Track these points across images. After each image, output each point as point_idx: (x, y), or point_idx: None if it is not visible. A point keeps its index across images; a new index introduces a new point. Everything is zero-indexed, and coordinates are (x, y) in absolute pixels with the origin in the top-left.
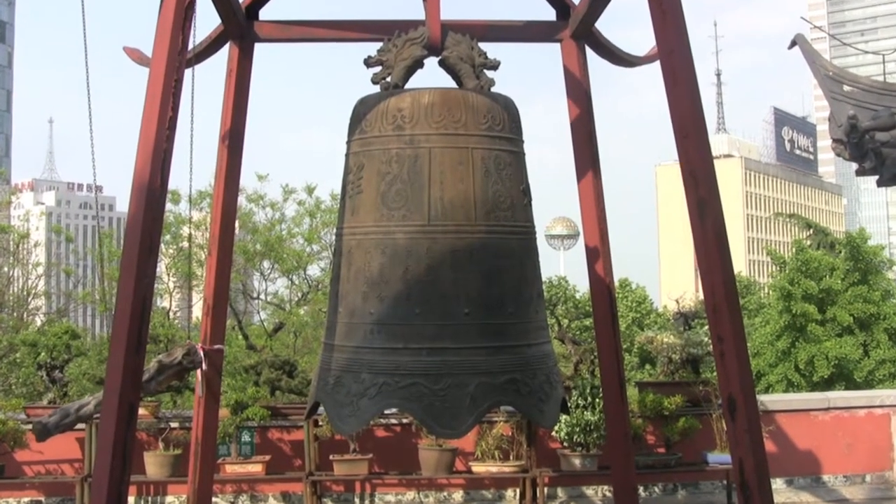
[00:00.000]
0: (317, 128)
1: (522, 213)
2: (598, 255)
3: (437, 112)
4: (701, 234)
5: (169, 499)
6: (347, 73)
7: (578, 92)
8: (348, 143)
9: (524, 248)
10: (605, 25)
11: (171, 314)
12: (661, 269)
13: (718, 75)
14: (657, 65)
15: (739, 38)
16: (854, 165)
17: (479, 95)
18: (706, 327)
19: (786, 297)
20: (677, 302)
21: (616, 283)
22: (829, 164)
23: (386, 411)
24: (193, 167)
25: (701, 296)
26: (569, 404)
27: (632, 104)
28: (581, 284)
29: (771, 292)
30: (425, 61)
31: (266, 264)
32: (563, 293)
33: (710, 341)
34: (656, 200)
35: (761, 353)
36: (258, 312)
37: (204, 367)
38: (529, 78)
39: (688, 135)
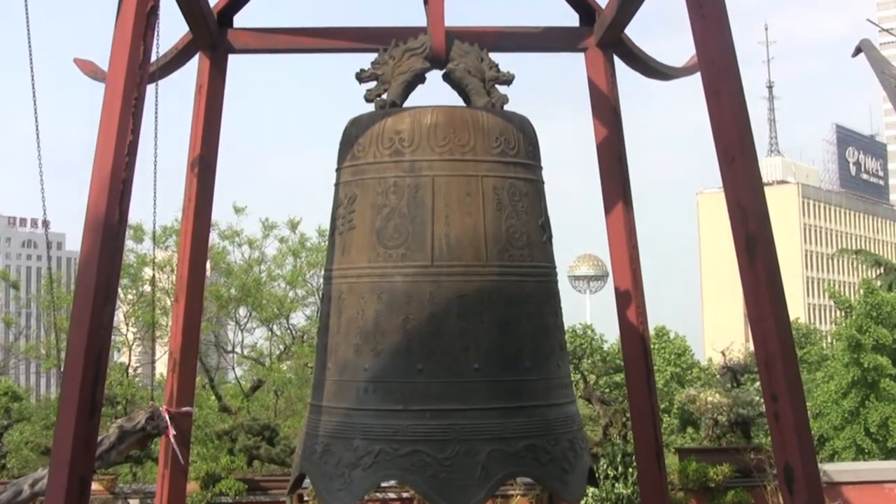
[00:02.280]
0: (304, 152)
1: (541, 251)
2: (629, 298)
3: (441, 134)
4: (751, 275)
5: None
6: (340, 88)
7: (605, 109)
8: (338, 170)
9: (543, 291)
10: (637, 31)
11: (130, 371)
12: (704, 315)
13: (770, 88)
14: (697, 77)
15: (795, 44)
16: None
17: (490, 115)
18: (758, 384)
19: (853, 347)
20: (723, 354)
21: (651, 332)
22: None
23: (383, 484)
24: (158, 199)
25: (751, 347)
26: (597, 475)
27: (668, 121)
28: (610, 334)
29: (835, 342)
30: (427, 75)
31: (242, 312)
32: (589, 344)
33: (762, 400)
34: (698, 234)
35: (824, 413)
36: (233, 368)
37: (170, 432)
38: (547, 88)
39: (734, 159)
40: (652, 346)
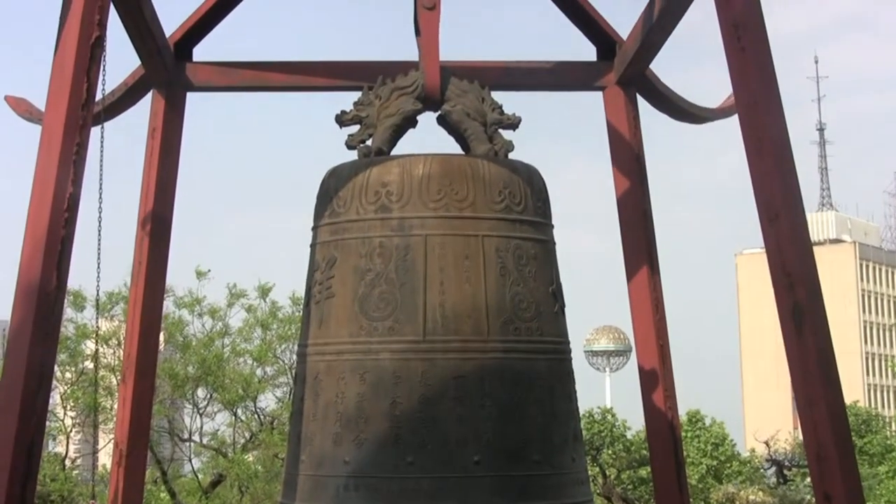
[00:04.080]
0: (278, 206)
1: (552, 323)
2: (656, 378)
3: (435, 187)
4: (798, 352)
5: None
6: (320, 131)
7: (627, 156)
8: (315, 228)
9: (555, 371)
10: (663, 65)
11: (67, 463)
12: (745, 397)
13: (821, 130)
14: (734, 120)
15: (850, 80)
16: None
17: (492, 164)
18: (808, 479)
19: None
20: (767, 444)
21: (683, 418)
22: None
23: None
24: (103, 260)
25: (800, 436)
26: None
27: (700, 169)
28: (634, 419)
29: None
30: (420, 118)
31: (201, 393)
32: (609, 432)
33: (813, 499)
34: (737, 303)
35: None
36: (190, 460)
37: None
38: (560, 133)
39: (777, 215)
40: (683, 434)
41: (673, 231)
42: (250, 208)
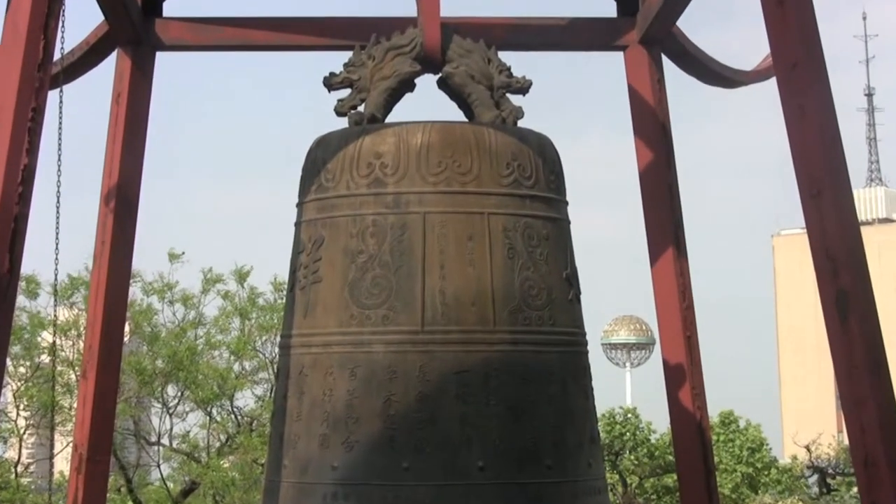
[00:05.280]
0: (260, 181)
1: (566, 312)
2: (683, 374)
3: (435, 158)
4: (843, 345)
5: None
6: (307, 96)
7: (651, 124)
8: (300, 205)
9: (569, 365)
10: (691, 23)
11: (20, 468)
12: (782, 396)
13: (870, 96)
14: (771, 84)
15: None
16: None
17: (499, 133)
18: (854, 489)
19: None
20: (808, 450)
21: (714, 419)
22: None
23: None
24: (61, 241)
25: (845, 440)
26: None
27: (733, 140)
28: (659, 420)
29: None
30: (418, 80)
31: (172, 390)
32: (631, 435)
33: None
34: (774, 289)
35: None
36: (158, 465)
37: None
38: (575, 98)
39: (820, 191)
40: (715, 437)
41: (702, 209)
42: (228, 182)
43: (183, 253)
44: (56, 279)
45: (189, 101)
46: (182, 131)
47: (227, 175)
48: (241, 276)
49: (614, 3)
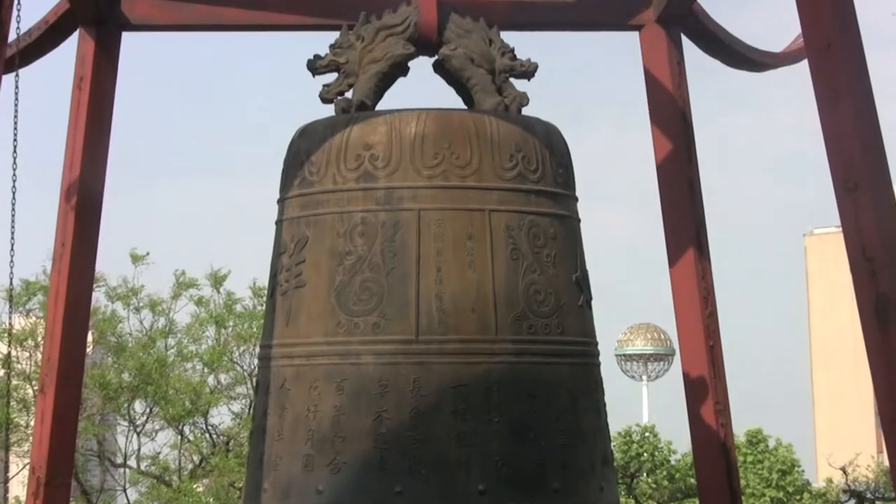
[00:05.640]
0: (236, 174)
1: (576, 319)
2: (705, 388)
3: (430, 150)
4: (882, 355)
5: None
6: (290, 80)
7: (669, 112)
8: (282, 201)
9: (580, 378)
10: (713, 1)
11: None
12: (816, 412)
13: None
14: (803, 67)
15: None
16: None
17: (501, 121)
18: None
19: None
20: (845, 472)
21: (741, 438)
22: None
23: None
24: (17, 241)
25: (885, 461)
26: None
27: (760, 129)
28: (679, 439)
29: None
30: (412, 64)
31: (139, 407)
32: (649, 455)
33: None
34: (806, 293)
35: None
36: (125, 490)
37: None
38: (585, 82)
39: (856, 185)
40: (741, 458)
41: (726, 206)
42: (201, 177)
43: (147, 254)
44: (11, 283)
45: (156, 86)
46: (153, 119)
47: (200, 168)
48: (217, 280)
49: None
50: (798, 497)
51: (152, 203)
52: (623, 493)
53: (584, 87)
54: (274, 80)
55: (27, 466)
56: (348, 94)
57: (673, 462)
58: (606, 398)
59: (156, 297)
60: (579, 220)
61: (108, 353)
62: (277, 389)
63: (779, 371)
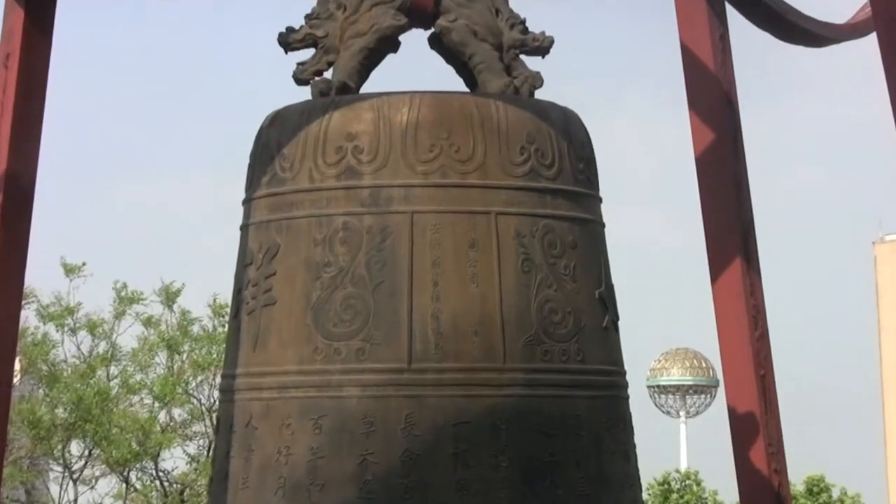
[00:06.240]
0: (191, 169)
1: (600, 343)
2: (754, 426)
3: (426, 140)
4: None
5: None
6: (258, 57)
7: (712, 97)
8: (247, 202)
9: (604, 415)
10: None
11: None
12: (888, 454)
13: None
14: (870, 43)
15: None
16: None
17: (510, 106)
18: None
19: None
20: None
21: (798, 487)
22: None
23: None
24: None
25: None
26: None
27: (816, 110)
28: (724, 487)
29: None
30: (403, 38)
31: (77, 448)
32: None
33: None
34: (876, 311)
35: None
36: None
37: None
38: (609, 56)
39: None
40: None
41: (780, 208)
42: (149, 172)
43: (84, 264)
44: None
45: (100, 65)
46: (92, 104)
47: (148, 161)
48: (169, 297)
49: None
50: None
51: (91, 204)
52: None
53: (609, 65)
54: (237, 58)
55: None
56: (327, 74)
57: None
58: (637, 438)
59: (96, 318)
60: (603, 225)
61: (39, 384)
62: (242, 428)
63: (843, 404)
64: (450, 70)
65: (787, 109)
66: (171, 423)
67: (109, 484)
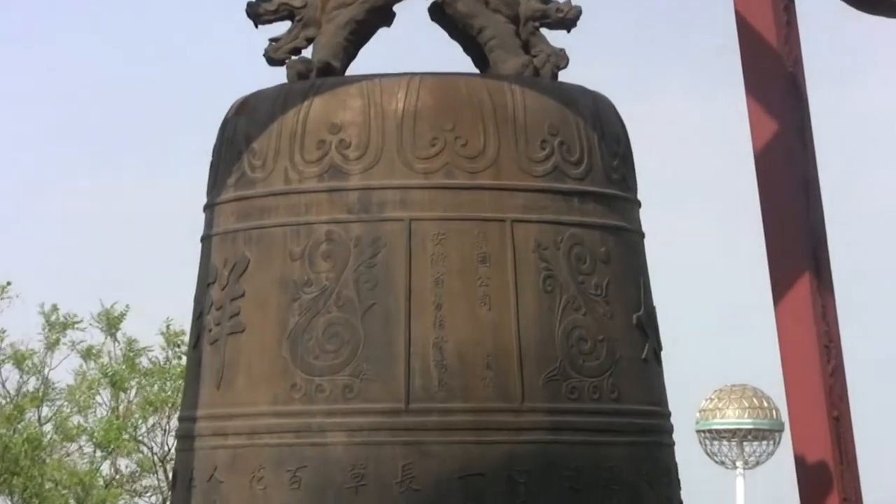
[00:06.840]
0: (139, 168)
1: (640, 379)
2: (828, 477)
3: (426, 133)
4: None
5: None
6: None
7: (773, 78)
8: (210, 207)
9: (644, 464)
10: None
11: None
12: None
13: None
14: None
15: None
16: None
17: (529, 90)
18: None
19: None
20: None
21: None
22: None
23: None
24: None
25: None
26: None
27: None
28: None
29: None
30: (398, 8)
31: None
32: None
33: None
34: None
35: None
36: None
37: None
38: (645, 30)
39: None
40: None
41: (858, 215)
42: (87, 171)
43: (9, 283)
44: None
45: (30, 45)
46: (21, 92)
47: (88, 159)
48: (111, 322)
49: None
50: None
51: (17, 214)
52: None
53: (648, 41)
54: (196, 34)
55: None
56: (307, 53)
57: None
58: (684, 494)
59: (24, 349)
60: (643, 235)
61: None
62: (204, 482)
63: None
64: (455, 47)
65: (867, 95)
66: (117, 477)
67: None
